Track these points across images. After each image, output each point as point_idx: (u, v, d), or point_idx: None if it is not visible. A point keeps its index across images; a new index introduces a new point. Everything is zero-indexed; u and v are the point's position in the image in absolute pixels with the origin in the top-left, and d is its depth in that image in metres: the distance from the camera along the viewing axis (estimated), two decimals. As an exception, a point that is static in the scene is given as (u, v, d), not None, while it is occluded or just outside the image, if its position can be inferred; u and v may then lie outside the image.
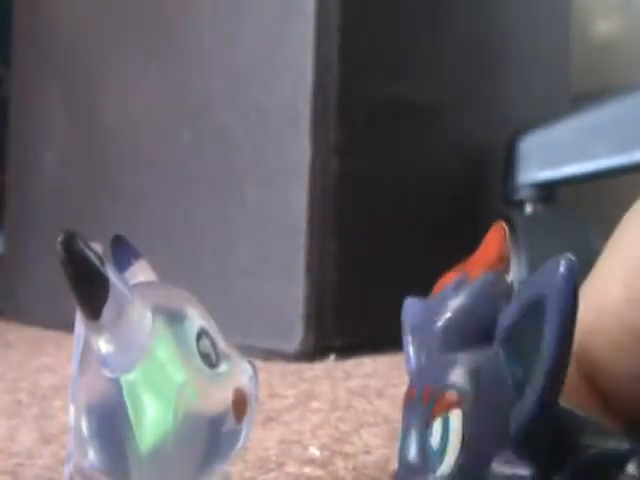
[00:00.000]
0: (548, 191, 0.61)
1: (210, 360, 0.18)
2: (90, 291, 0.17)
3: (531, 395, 0.15)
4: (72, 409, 0.18)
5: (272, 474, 0.29)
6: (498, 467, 0.15)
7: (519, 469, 0.14)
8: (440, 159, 0.62)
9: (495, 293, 0.16)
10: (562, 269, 0.14)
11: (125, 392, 0.17)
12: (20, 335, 0.67)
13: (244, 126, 0.57)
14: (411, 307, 0.17)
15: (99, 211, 0.67)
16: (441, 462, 0.15)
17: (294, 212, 0.54)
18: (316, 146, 0.53)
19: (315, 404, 0.40)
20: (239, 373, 0.19)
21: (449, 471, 0.15)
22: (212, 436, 0.18)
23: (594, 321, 0.17)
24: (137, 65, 0.65)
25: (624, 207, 0.19)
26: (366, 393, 0.42)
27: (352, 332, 0.55)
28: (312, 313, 0.53)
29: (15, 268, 0.78)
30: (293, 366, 0.50)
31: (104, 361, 0.17)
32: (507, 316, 0.15)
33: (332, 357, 0.53)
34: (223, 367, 0.19)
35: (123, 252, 0.21)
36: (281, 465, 0.30)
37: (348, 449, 0.32)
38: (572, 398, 0.16)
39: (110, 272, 0.17)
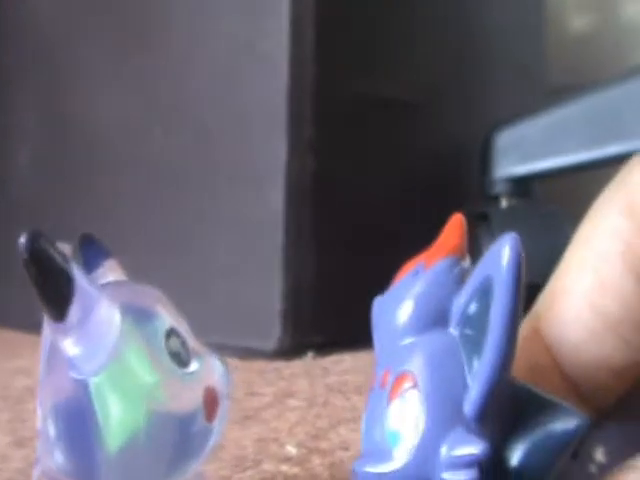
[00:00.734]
0: (524, 185, 0.61)
1: (180, 359, 0.18)
2: (54, 291, 0.16)
3: (480, 372, 0.15)
4: (39, 411, 0.18)
5: (248, 472, 0.29)
6: (451, 445, 0.15)
7: (471, 446, 0.15)
8: (417, 156, 0.62)
9: (451, 278, 0.16)
10: (506, 248, 0.15)
11: (93, 393, 0.17)
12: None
13: (219, 124, 0.56)
14: (377, 304, 0.17)
15: (73, 211, 0.67)
16: (398, 444, 0.15)
17: (271, 210, 0.54)
18: (292, 144, 0.53)
19: (293, 402, 0.40)
20: (210, 371, 0.19)
21: (406, 453, 0.15)
22: (182, 435, 0.18)
23: (565, 309, 0.18)
24: (109, 64, 0.65)
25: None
26: (344, 390, 0.42)
27: (330, 329, 0.55)
28: (289, 311, 0.53)
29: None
30: (271, 364, 0.50)
31: (72, 363, 0.17)
32: (460, 299, 0.16)
33: (310, 354, 0.53)
34: (194, 366, 0.19)
35: (92, 252, 0.20)
36: (258, 463, 0.30)
37: (325, 446, 0.32)
38: (545, 387, 0.16)
39: (76, 272, 0.17)
